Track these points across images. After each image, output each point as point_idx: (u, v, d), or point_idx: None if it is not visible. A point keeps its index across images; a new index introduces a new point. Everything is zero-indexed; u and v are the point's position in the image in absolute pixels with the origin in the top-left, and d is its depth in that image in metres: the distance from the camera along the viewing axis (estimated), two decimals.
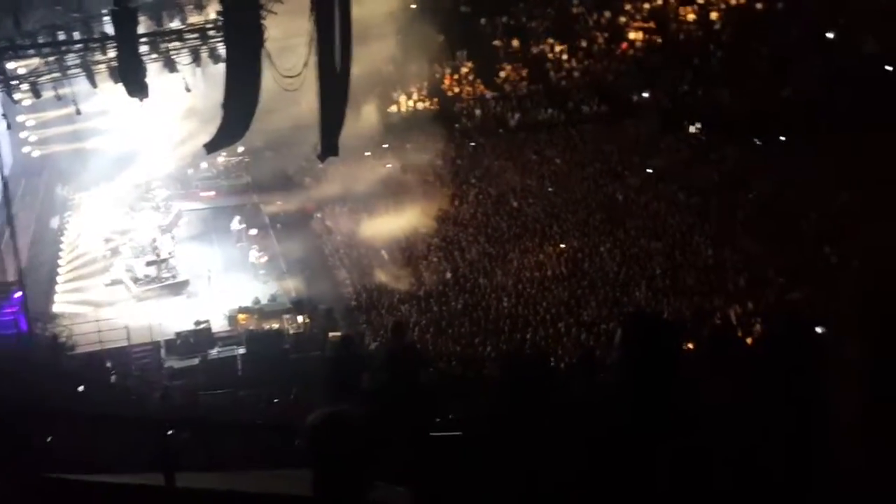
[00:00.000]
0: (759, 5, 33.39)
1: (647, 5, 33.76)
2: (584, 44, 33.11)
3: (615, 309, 20.43)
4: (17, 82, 19.17)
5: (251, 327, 20.41)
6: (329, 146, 18.90)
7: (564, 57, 32.87)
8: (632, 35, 33.29)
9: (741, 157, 27.96)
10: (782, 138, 28.83)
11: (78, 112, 21.26)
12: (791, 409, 3.49)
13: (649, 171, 27.78)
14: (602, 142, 29.70)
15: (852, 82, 30.46)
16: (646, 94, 31.50)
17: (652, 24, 33.46)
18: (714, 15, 33.59)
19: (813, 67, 31.08)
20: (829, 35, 32.40)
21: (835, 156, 27.21)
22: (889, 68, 30.82)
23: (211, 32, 19.70)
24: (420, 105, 30.05)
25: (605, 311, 20.48)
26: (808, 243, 22.59)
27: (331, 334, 19.21)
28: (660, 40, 33.09)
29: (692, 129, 30.24)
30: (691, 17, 33.56)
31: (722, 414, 3.41)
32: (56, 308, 22.24)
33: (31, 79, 19.47)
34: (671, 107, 31.02)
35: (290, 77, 17.65)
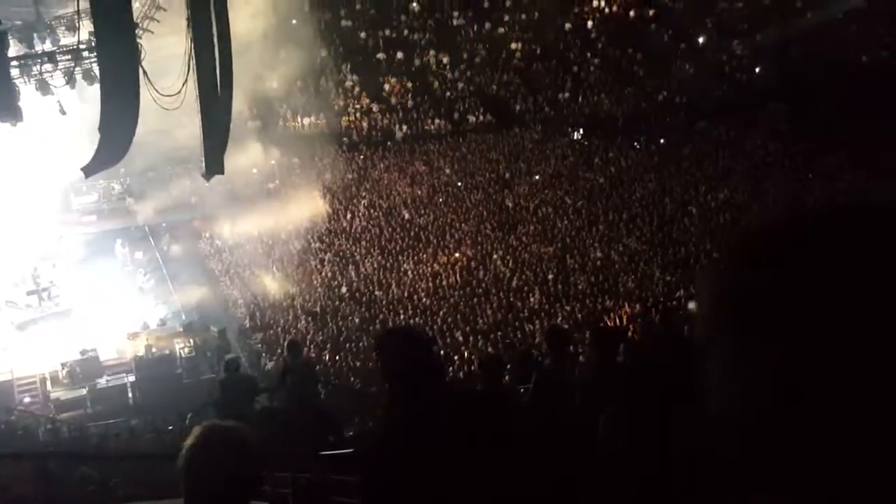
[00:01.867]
0: (632, 13, 34.97)
1: (524, 16, 34.73)
2: (465, 55, 33.73)
3: (510, 315, 20.96)
4: None
5: (140, 353, 20.05)
6: (214, 164, 18.84)
7: (448, 69, 33.39)
8: (512, 45, 34.15)
9: (623, 160, 29.28)
10: (661, 140, 30.44)
11: None
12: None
13: (536, 177, 28.64)
14: (489, 151, 30.32)
15: (725, 83, 32.68)
16: (528, 103, 32.41)
17: (530, 35, 34.45)
18: (590, 23, 34.90)
19: (686, 70, 33.09)
20: (700, 39, 34.47)
21: (713, 154, 29.02)
22: (758, 71, 33.12)
23: (85, 53, 19.31)
24: (306, 120, 29.93)
25: (500, 317, 20.95)
26: (690, 241, 23.83)
27: (227, 356, 19.12)
28: (539, 50, 34.10)
29: (575, 135, 31.33)
30: (568, 26, 34.73)
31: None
32: None
33: None
34: (554, 114, 32.02)
35: (170, 96, 17.55)
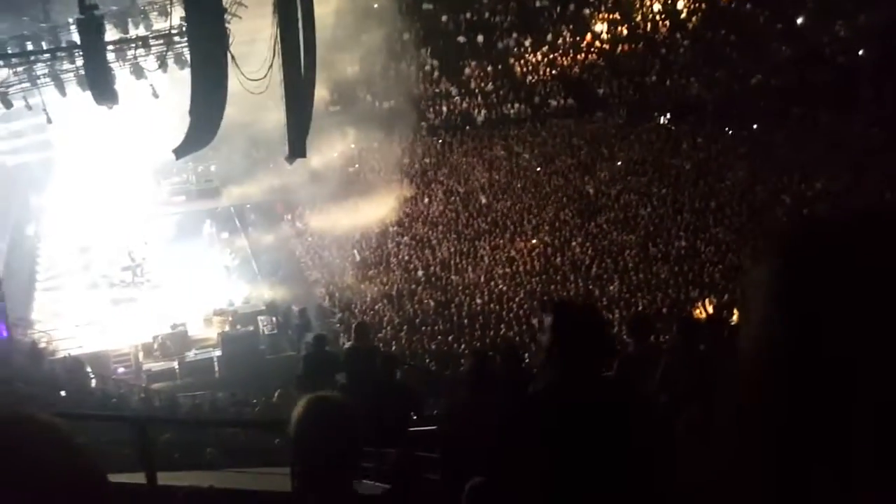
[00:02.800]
0: None
1: None
2: (548, 37, 33.36)
3: (588, 301, 20.73)
4: None
5: (226, 329, 20.92)
6: (297, 148, 19.37)
7: (529, 51, 33.12)
8: (597, 27, 33.58)
9: (712, 147, 28.54)
10: (754, 126, 29.47)
11: (49, 121, 21.51)
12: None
13: (619, 163, 28.25)
14: (570, 136, 30.03)
15: (824, 67, 31.26)
16: (613, 87, 31.87)
17: (617, 15, 33.79)
18: (680, 4, 33.97)
19: (783, 53, 31.81)
20: (799, 20, 33.06)
21: (808, 142, 27.89)
22: (861, 53, 31.60)
23: (176, 38, 20.04)
24: (386, 104, 30.24)
25: (580, 305, 20.82)
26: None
27: (307, 335, 19.75)
28: (625, 31, 33.42)
29: (662, 119, 30.69)
30: (657, 6, 33.91)
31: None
32: (35, 314, 22.78)
33: (1, 89, 19.81)
34: (640, 98, 31.39)
35: (255, 80, 18.11)
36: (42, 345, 20.15)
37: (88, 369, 18.32)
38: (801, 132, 28.70)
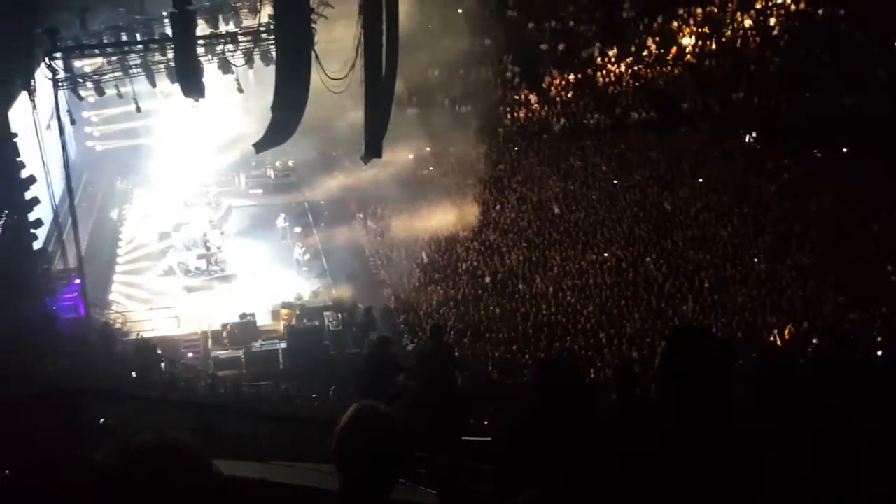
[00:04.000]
0: (820, 11, 32.70)
1: (700, 10, 33.36)
2: (633, 48, 32.86)
3: (659, 322, 20.27)
4: (82, 80, 20.27)
5: (292, 322, 21.25)
6: (373, 148, 19.57)
7: (613, 62, 32.67)
8: (685, 40, 32.90)
9: (799, 169, 27.61)
10: (844, 149, 28.34)
11: (138, 110, 22.25)
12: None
13: (700, 180, 27.61)
14: (650, 149, 29.49)
15: None
16: (698, 101, 31.17)
17: (706, 30, 33.05)
18: (773, 20, 33.01)
19: (878, 76, 30.50)
20: None
21: None
22: None
23: (263, 35, 20.45)
24: (464, 109, 30.24)
25: (648, 323, 20.37)
26: (868, 260, 22.24)
27: (371, 334, 19.90)
28: (714, 46, 32.66)
29: (747, 137, 29.86)
30: (748, 22, 33.02)
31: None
32: (112, 295, 23.58)
33: (95, 77, 20.60)
34: (725, 114, 30.60)
35: (337, 79, 18.34)
36: (117, 325, 20.88)
37: (159, 352, 18.85)
38: (894, 159, 27.46)
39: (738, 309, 20.80)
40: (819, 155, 28.40)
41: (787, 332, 19.21)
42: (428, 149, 29.23)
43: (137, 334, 20.50)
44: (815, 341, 17.71)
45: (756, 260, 23.20)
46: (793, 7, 32.98)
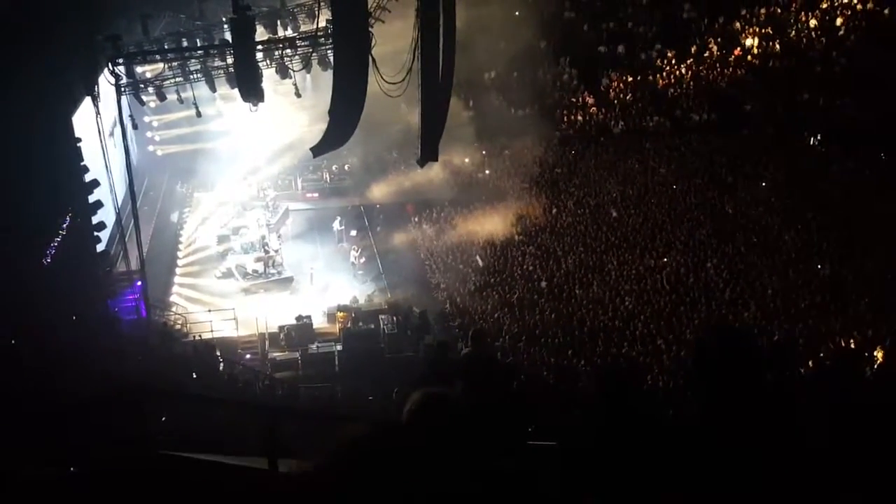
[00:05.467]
0: (887, 11, 31.62)
1: (763, 10, 32.58)
2: (694, 49, 32.26)
3: (716, 325, 19.93)
4: (143, 85, 20.62)
5: (348, 325, 21.25)
6: (429, 151, 19.51)
7: (673, 63, 32.11)
8: (747, 41, 32.15)
9: (865, 172, 26.69)
10: None
11: (198, 114, 22.53)
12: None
13: (763, 183, 26.92)
14: (711, 152, 28.89)
15: None
16: (761, 103, 30.45)
17: (769, 30, 32.24)
18: (839, 20, 32.01)
19: None
20: None
21: None
22: None
23: (321, 40, 20.49)
24: (521, 112, 30.02)
25: (708, 329, 20.01)
26: None
27: (425, 337, 19.78)
28: (777, 47, 31.83)
29: (812, 140, 29.08)
30: (813, 22, 32.08)
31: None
32: (172, 297, 23.86)
33: (157, 82, 20.88)
34: (789, 116, 29.86)
35: (394, 83, 18.29)
36: (177, 326, 21.17)
37: (218, 353, 19.01)
38: None
39: (801, 315, 20.16)
40: (885, 158, 27.40)
41: (852, 339, 18.64)
42: (484, 152, 29.07)
43: (197, 335, 20.73)
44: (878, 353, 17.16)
45: (819, 266, 22.47)
46: (859, 6, 31.94)
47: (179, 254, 26.81)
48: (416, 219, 27.32)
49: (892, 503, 3.10)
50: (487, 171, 28.64)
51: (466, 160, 28.03)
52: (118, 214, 19.36)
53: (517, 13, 27.34)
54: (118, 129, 19.06)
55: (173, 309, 22.69)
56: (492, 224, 25.56)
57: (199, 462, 6.21)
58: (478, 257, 24.61)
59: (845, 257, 22.65)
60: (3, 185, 11.81)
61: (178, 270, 25.77)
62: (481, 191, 27.24)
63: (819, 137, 28.91)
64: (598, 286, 22.48)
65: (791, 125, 29.39)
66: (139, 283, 19.38)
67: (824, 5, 32.29)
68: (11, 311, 10.67)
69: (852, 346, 18.21)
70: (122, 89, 19.64)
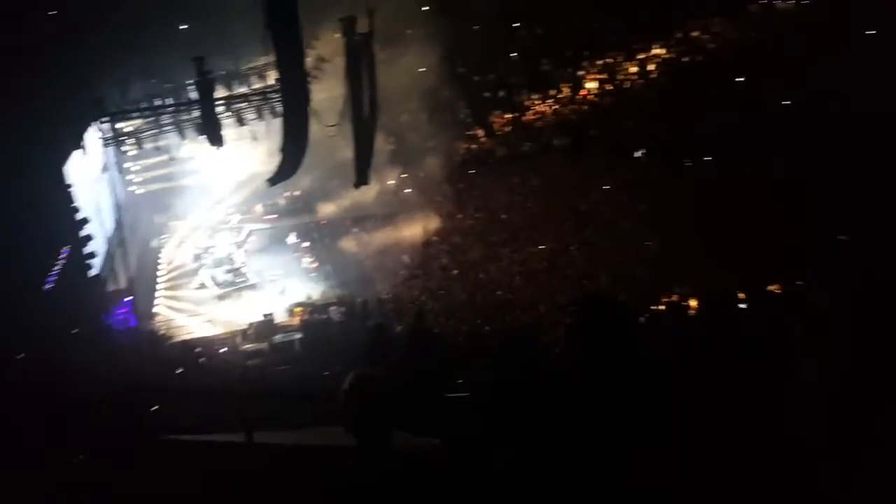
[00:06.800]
0: (684, 59, 33.18)
1: (599, 62, 33.66)
2: (552, 92, 33.02)
3: (583, 293, 20.26)
4: (125, 138, 19.30)
5: (306, 318, 20.44)
6: (363, 177, 19.06)
7: (538, 102, 32.79)
8: (588, 84, 33.12)
9: (678, 176, 27.84)
10: (707, 159, 28.62)
11: (171, 159, 21.26)
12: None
13: (606, 187, 27.52)
14: (569, 166, 29.55)
15: (758, 117, 30.23)
16: (600, 128, 31.35)
17: (604, 76, 33.31)
18: (651, 66, 33.42)
19: (728, 106, 30.89)
20: (739, 79, 32.12)
21: (747, 171, 26.99)
22: (787, 102, 30.57)
23: (271, 95, 19.83)
24: (429, 143, 29.92)
25: (574, 295, 20.16)
26: (728, 238, 22.34)
27: (368, 321, 19.25)
28: (610, 87, 32.93)
29: (637, 154, 30.01)
30: (634, 69, 33.38)
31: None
32: (157, 308, 22.36)
33: (135, 135, 19.60)
34: (621, 137, 30.80)
35: (331, 126, 17.79)
36: (163, 332, 19.83)
37: (198, 350, 17.93)
38: (744, 164, 27.62)
39: (638, 281, 20.66)
40: (690, 165, 28.55)
41: (674, 296, 19.31)
42: (405, 175, 28.75)
43: (180, 338, 19.48)
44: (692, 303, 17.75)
45: (649, 243, 23.02)
46: (666, 56, 33.39)
47: (160, 272, 25.10)
48: (356, 230, 26.68)
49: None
50: (408, 189, 28.32)
51: (391, 182, 27.61)
52: (109, 243, 18.04)
53: (423, 69, 27.20)
54: (105, 174, 17.80)
55: (158, 318, 21.26)
56: (413, 230, 25.27)
57: (186, 442, 5.71)
58: (404, 256, 24.26)
59: (666, 237, 23.26)
60: (9, 226, 10.93)
61: (160, 286, 24.12)
62: (404, 204, 26.84)
63: (643, 152, 29.88)
64: (495, 270, 22.49)
65: (622, 144, 30.29)
66: (128, 298, 18.08)
67: (640, 56, 33.56)
68: (18, 331, 9.61)
69: (674, 299, 18.83)
70: (107, 142, 18.41)
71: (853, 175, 22.99)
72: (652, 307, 17.58)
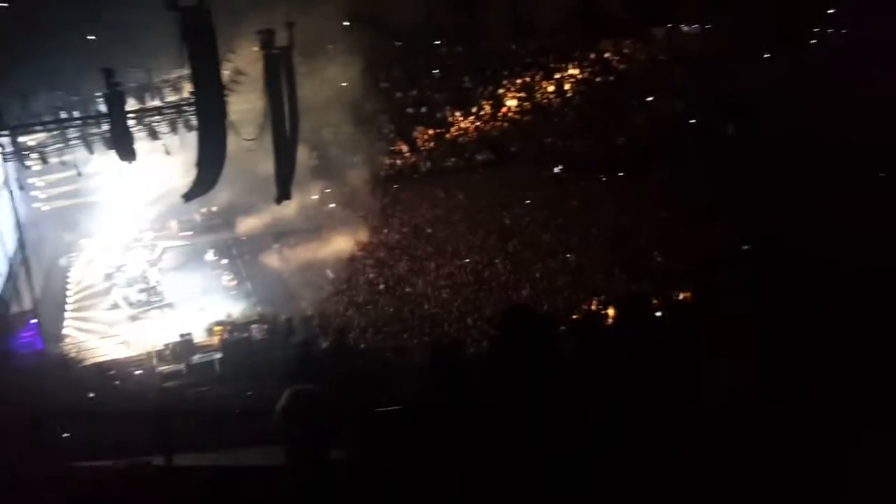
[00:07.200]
0: (598, 79, 34.89)
1: (518, 80, 34.77)
2: (474, 109, 33.74)
3: (508, 305, 20.66)
4: (27, 153, 18.14)
5: (225, 337, 19.81)
6: (284, 192, 18.74)
7: (461, 119, 33.39)
8: (509, 102, 34.09)
9: (592, 189, 29.01)
10: (619, 174, 30.12)
11: (79, 174, 20.13)
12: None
13: (527, 201, 28.39)
14: (492, 181, 30.17)
15: (667, 133, 32.30)
16: (521, 145, 32.27)
17: (523, 94, 34.42)
18: (567, 86, 34.84)
19: (636, 122, 32.80)
20: (649, 99, 34.17)
21: (656, 186, 28.67)
22: (693, 122, 32.78)
23: (185, 108, 19.18)
24: (353, 157, 29.82)
25: (500, 307, 20.49)
26: (642, 249, 23.62)
27: (293, 338, 18.89)
28: (529, 105, 34.03)
29: (556, 169, 31.08)
30: (551, 87, 34.68)
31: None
32: (66, 330, 21.01)
33: (40, 149, 18.43)
34: (540, 153, 31.81)
35: (250, 140, 17.47)
36: (73, 355, 18.67)
37: (112, 373, 17.01)
38: (654, 178, 29.41)
39: (559, 291, 21.46)
40: (604, 179, 29.92)
41: (593, 304, 20.18)
42: (328, 190, 28.46)
43: (91, 361, 18.39)
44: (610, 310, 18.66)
45: (568, 256, 23.95)
46: (580, 76, 34.99)
47: (69, 292, 23.56)
48: (277, 245, 26.10)
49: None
50: (332, 205, 28.04)
51: (314, 197, 27.25)
52: (10, 264, 16.84)
53: (344, 84, 27.15)
54: (5, 191, 16.62)
55: (67, 340, 19.98)
56: (338, 244, 25.01)
57: (100, 468, 5.51)
58: (328, 271, 23.98)
59: (587, 248, 24.36)
60: None
61: (69, 307, 22.63)
62: (328, 220, 26.52)
63: (561, 167, 31.04)
64: (422, 284, 22.62)
65: (541, 160, 31.32)
66: (33, 321, 16.93)
67: (557, 76, 35.03)
68: None
69: (593, 308, 19.67)
70: (7, 157, 17.24)
71: (758, 187, 25.10)
72: (573, 316, 18.53)
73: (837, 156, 23.36)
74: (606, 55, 35.55)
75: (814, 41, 32.59)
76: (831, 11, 32.55)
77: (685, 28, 36.10)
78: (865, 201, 18.73)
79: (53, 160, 18.96)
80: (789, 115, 28.94)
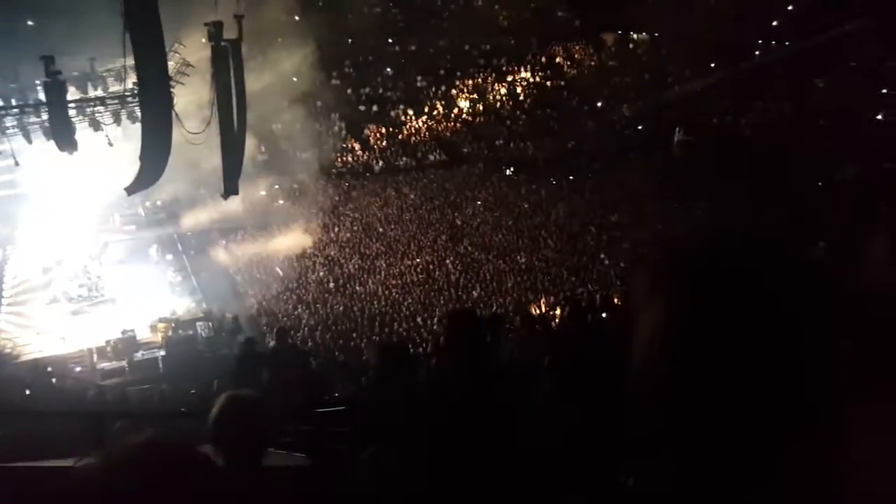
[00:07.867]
0: (549, 83, 35.57)
1: (471, 82, 35.08)
2: (426, 108, 33.84)
3: (457, 305, 20.68)
4: None
5: (169, 334, 19.38)
6: (231, 186, 18.43)
7: (413, 118, 33.43)
8: (461, 103, 34.36)
9: (542, 191, 29.54)
10: (570, 177, 30.91)
11: (16, 164, 19.28)
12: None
13: (478, 202, 28.74)
14: (444, 182, 30.37)
15: (616, 137, 33.31)
16: (474, 146, 32.57)
17: (476, 96, 34.74)
18: (519, 90, 35.36)
19: (588, 126, 33.65)
20: (599, 104, 35.12)
21: (605, 188, 29.56)
22: (640, 127, 33.92)
23: (129, 98, 18.67)
24: (304, 154, 29.51)
25: (450, 307, 20.42)
26: (590, 251, 24.23)
27: (238, 337, 18.61)
28: (482, 107, 34.39)
29: (507, 171, 31.59)
30: (503, 90, 35.12)
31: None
32: (1, 325, 20.13)
33: None
34: (492, 155, 32.21)
35: (195, 133, 17.13)
36: (6, 350, 17.91)
37: (49, 370, 16.40)
38: (601, 182, 30.40)
39: (510, 291, 21.73)
40: (554, 181, 30.60)
41: (542, 304, 20.63)
42: (277, 186, 28.03)
43: (28, 357, 17.69)
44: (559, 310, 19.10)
45: (518, 257, 24.29)
46: (531, 79, 35.58)
47: (5, 287, 22.60)
48: (224, 242, 25.56)
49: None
50: (281, 201, 27.64)
51: (263, 193, 26.81)
52: None
53: (295, 79, 26.80)
54: None
55: (2, 335, 19.14)
56: (288, 242, 24.68)
57: (31, 468, 5.42)
58: (277, 268, 23.67)
59: (533, 249, 24.73)
60: None
61: (3, 301, 21.72)
62: (277, 216, 26.14)
63: (512, 169, 31.56)
64: (372, 283, 22.58)
65: (493, 161, 31.76)
66: None
67: (510, 78, 35.53)
68: None
69: (542, 308, 20.11)
70: None
71: (703, 191, 26.17)
72: (522, 315, 18.86)
73: (780, 163, 24.66)
74: (557, 60, 36.31)
75: (757, 52, 34.14)
76: (775, 24, 34.13)
77: (634, 36, 37.23)
78: (806, 208, 19.86)
79: None
80: (733, 124, 30.37)
